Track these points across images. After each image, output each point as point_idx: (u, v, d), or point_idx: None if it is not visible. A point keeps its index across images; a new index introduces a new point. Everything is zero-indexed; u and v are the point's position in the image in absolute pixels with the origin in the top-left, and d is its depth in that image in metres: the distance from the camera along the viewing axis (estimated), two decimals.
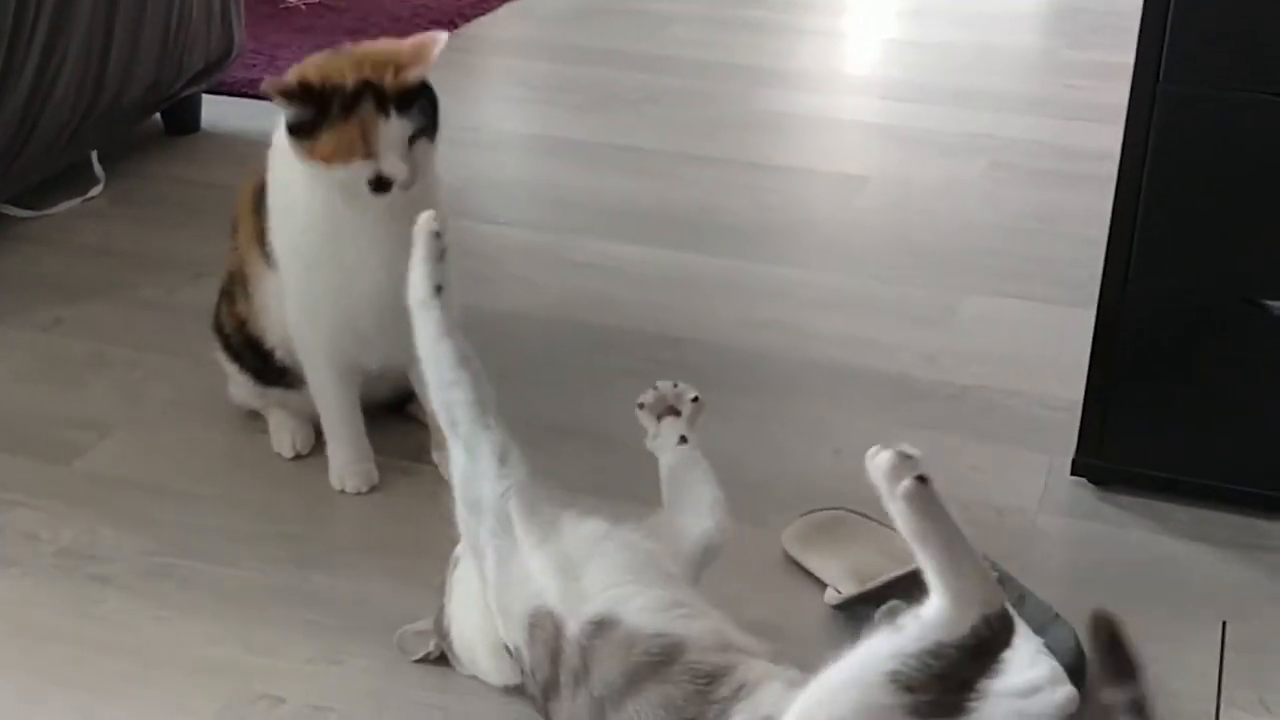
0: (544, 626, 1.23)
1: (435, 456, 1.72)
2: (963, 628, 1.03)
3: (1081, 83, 3.14)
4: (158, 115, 2.70)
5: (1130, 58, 1.53)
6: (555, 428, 1.83)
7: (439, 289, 1.35)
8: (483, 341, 2.02)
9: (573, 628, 1.22)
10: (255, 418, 1.82)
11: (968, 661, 1.03)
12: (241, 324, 1.75)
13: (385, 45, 1.55)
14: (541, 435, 1.81)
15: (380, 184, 1.52)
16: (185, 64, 2.59)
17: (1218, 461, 1.65)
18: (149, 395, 1.89)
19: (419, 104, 1.51)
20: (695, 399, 1.44)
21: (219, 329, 1.79)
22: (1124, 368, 1.65)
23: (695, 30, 3.52)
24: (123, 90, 2.43)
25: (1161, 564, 1.60)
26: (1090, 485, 1.71)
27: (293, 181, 1.57)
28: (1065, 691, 1.29)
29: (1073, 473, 1.71)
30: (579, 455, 1.77)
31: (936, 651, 1.03)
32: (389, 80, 1.50)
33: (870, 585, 1.45)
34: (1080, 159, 2.70)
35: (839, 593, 1.48)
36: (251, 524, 1.63)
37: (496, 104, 3.06)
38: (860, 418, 1.87)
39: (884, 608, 1.42)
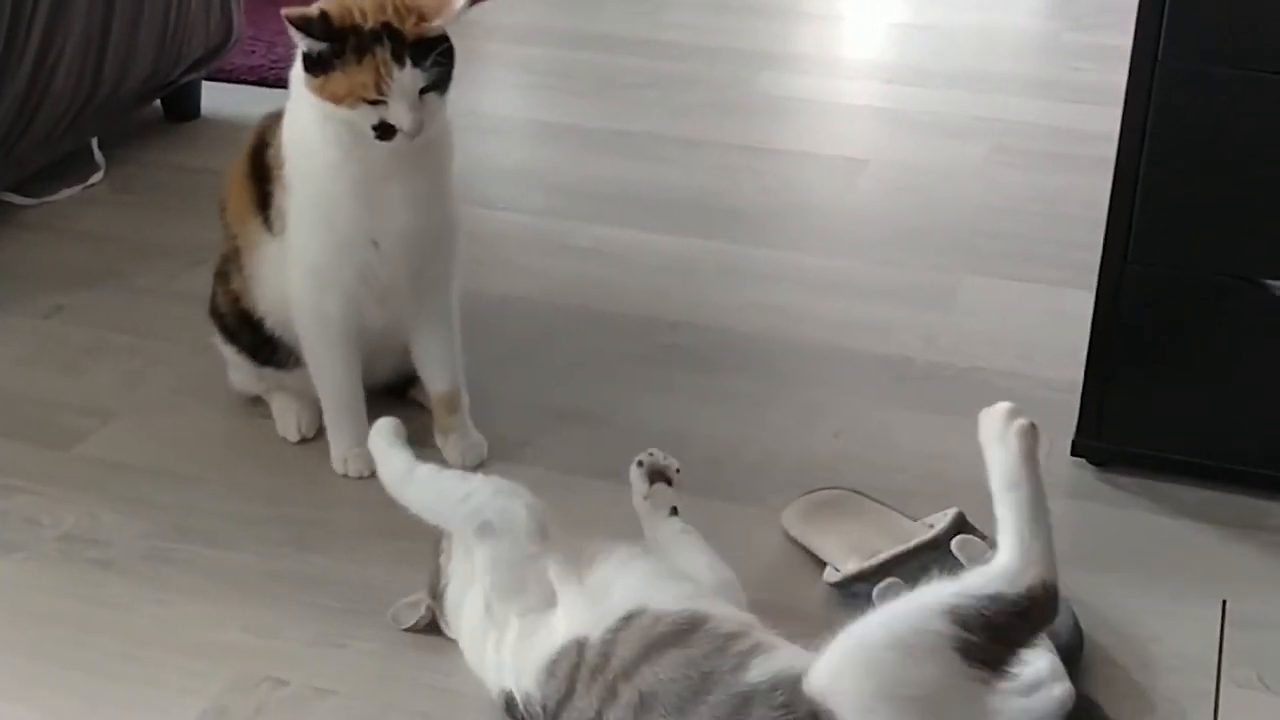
0: (566, 658, 1.23)
1: (438, 440, 1.73)
2: (1021, 584, 1.10)
3: (1085, 65, 3.14)
4: (157, 102, 2.70)
5: (1131, 42, 1.52)
6: (555, 411, 1.83)
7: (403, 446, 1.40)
8: (483, 326, 2.04)
9: (595, 635, 1.22)
10: (255, 403, 1.82)
11: (1016, 620, 1.10)
12: (235, 300, 1.75)
13: None
14: (542, 418, 1.82)
15: (385, 131, 1.51)
16: (184, 51, 2.59)
17: (1217, 441, 1.65)
18: (149, 381, 1.89)
19: (435, 56, 1.50)
20: (678, 470, 1.46)
21: (215, 312, 1.80)
22: (1123, 348, 1.65)
23: (694, 15, 3.52)
24: (122, 78, 2.43)
25: (1161, 543, 1.60)
26: (1090, 466, 1.71)
27: (310, 123, 1.55)
28: (1064, 688, 1.29)
29: (1072, 453, 1.71)
30: (578, 438, 1.77)
31: (994, 599, 1.10)
32: (409, 27, 1.48)
33: (869, 563, 1.46)
34: (1083, 141, 2.69)
35: (838, 571, 1.48)
36: (252, 508, 1.64)
37: (497, 89, 3.06)
38: (859, 400, 1.87)
39: (882, 585, 1.43)
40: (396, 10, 1.49)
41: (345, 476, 1.69)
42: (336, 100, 1.50)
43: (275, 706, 1.35)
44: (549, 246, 2.30)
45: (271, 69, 2.95)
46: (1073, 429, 1.71)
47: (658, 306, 2.10)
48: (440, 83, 1.52)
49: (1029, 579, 1.11)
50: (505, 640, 1.30)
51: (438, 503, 1.35)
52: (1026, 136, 2.75)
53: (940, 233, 2.35)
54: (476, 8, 3.51)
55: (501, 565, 1.31)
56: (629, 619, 1.22)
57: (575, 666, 1.22)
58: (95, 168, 2.49)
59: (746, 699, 1.12)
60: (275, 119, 1.66)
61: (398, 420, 1.43)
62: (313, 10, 1.50)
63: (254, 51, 3.03)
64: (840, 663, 1.11)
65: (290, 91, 1.60)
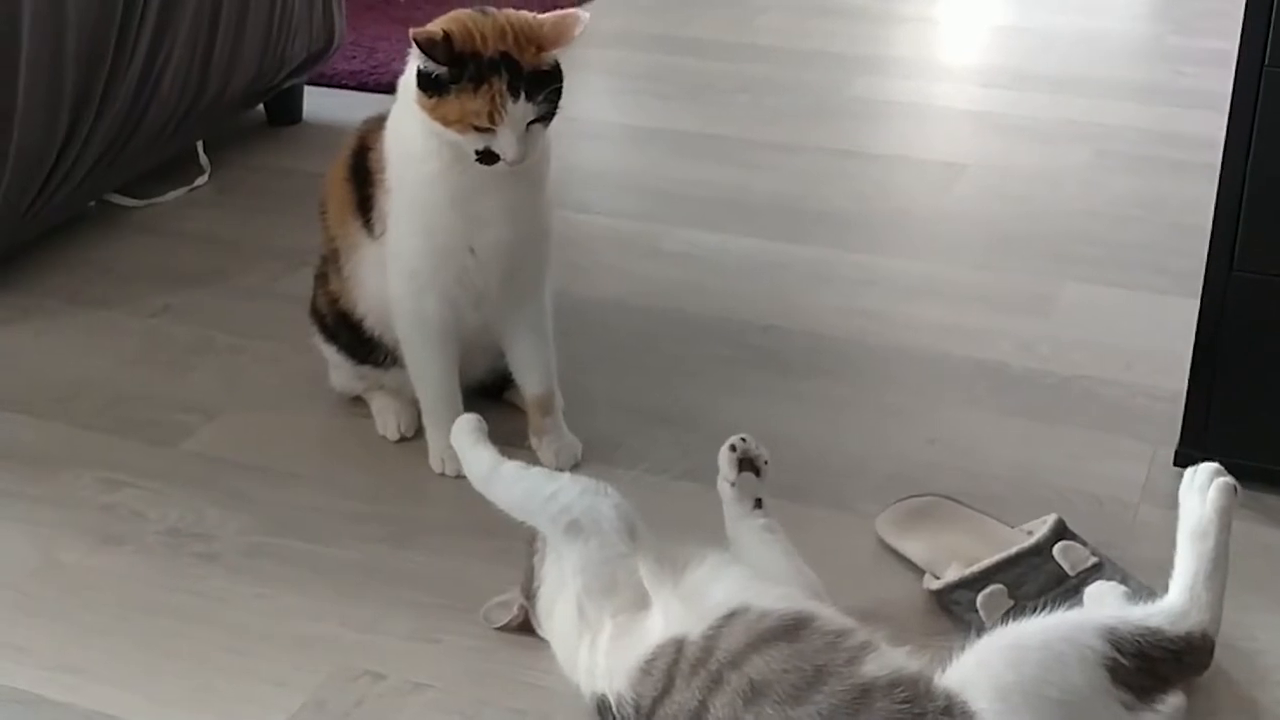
0: (663, 656, 1.23)
1: (533, 442, 1.74)
2: (1183, 627, 1.17)
3: (1188, 69, 3.08)
4: (261, 106, 2.75)
5: (1235, 45, 1.50)
6: (648, 413, 1.84)
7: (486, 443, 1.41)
8: (577, 328, 2.05)
9: (696, 633, 1.22)
10: (355, 403, 1.85)
11: (1170, 659, 1.16)
12: (334, 300, 1.77)
13: (528, 18, 1.53)
14: (634, 420, 1.83)
15: (488, 157, 1.52)
16: (287, 56, 2.63)
17: None
18: (252, 380, 1.92)
19: (548, 89, 1.51)
20: (766, 462, 1.45)
21: (315, 312, 1.83)
22: (1228, 356, 1.62)
23: (788, 19, 3.51)
24: (227, 82, 2.48)
25: (1266, 555, 1.57)
26: None
27: (414, 134, 1.56)
28: (1175, 701, 1.26)
29: (1176, 463, 1.68)
30: (671, 440, 1.77)
31: (1153, 632, 1.15)
32: (527, 58, 1.49)
33: (971, 570, 1.44)
34: (1186, 146, 2.65)
35: (938, 578, 1.47)
36: (351, 504, 1.66)
37: (590, 94, 3.07)
38: (955, 406, 1.86)
39: (985, 593, 1.42)
40: (516, 39, 1.50)
41: (443, 475, 1.71)
42: (446, 123, 1.51)
43: (373, 700, 1.37)
44: (642, 250, 2.31)
45: (372, 74, 3.00)
46: (1175, 439, 1.68)
47: (749, 310, 2.10)
48: (548, 116, 1.53)
49: (1191, 623, 1.18)
50: (599, 643, 1.30)
51: (525, 500, 1.35)
52: (1128, 142, 2.71)
53: (1040, 239, 2.32)
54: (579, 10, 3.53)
55: (592, 565, 1.31)
56: (732, 616, 1.22)
57: (674, 663, 1.22)
58: (200, 170, 2.55)
59: (865, 691, 1.13)
60: (377, 123, 1.68)
61: (479, 417, 1.43)
62: (437, 31, 1.49)
63: (355, 57, 3.08)
64: (986, 655, 1.13)
65: (397, 98, 1.62)
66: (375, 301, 1.72)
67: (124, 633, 1.46)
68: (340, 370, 1.83)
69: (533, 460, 1.70)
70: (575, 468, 1.71)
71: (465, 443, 1.42)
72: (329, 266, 1.78)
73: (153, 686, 1.39)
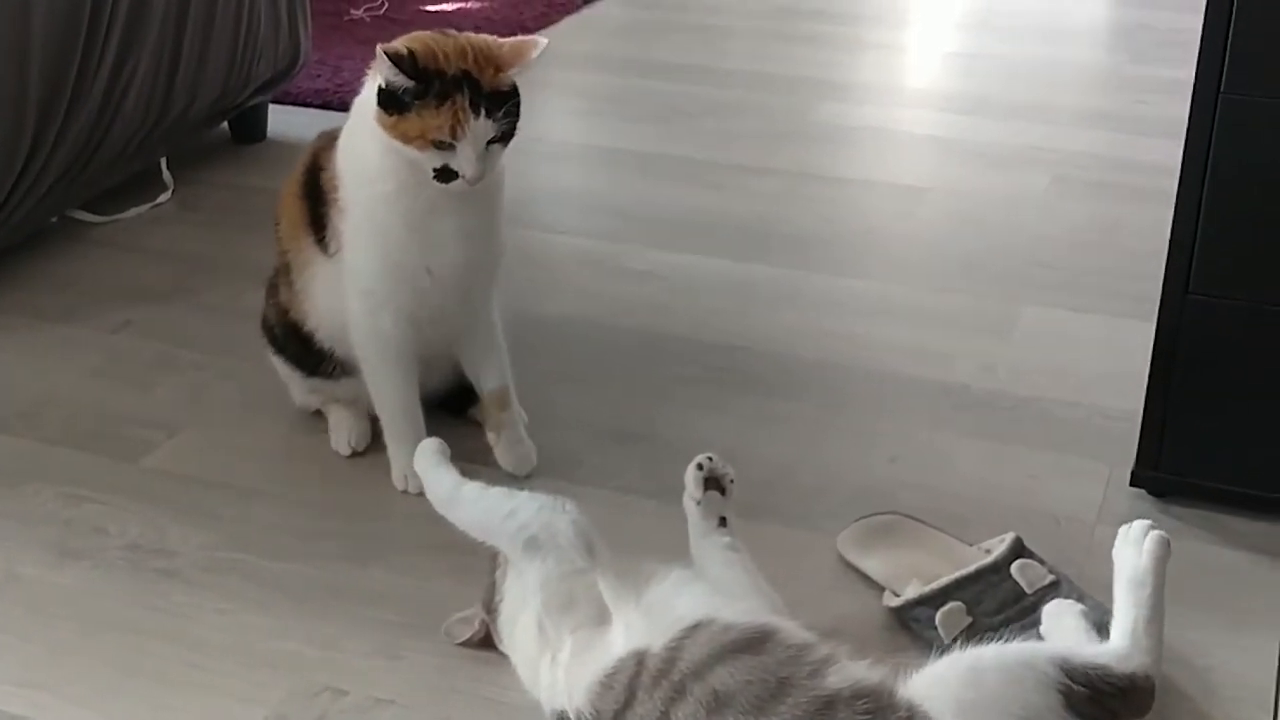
0: (624, 670, 1.24)
1: (490, 438, 1.76)
2: (1128, 667, 1.22)
3: (1146, 97, 3.13)
4: (225, 124, 2.75)
5: (1193, 72, 1.52)
6: (613, 431, 1.85)
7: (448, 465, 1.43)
8: (543, 347, 2.06)
9: (659, 645, 1.23)
10: (318, 419, 1.85)
11: (1116, 695, 1.20)
12: (284, 312, 1.78)
13: (487, 39, 1.56)
14: (600, 438, 1.83)
15: (446, 175, 1.54)
16: (252, 74, 2.64)
17: (1278, 473, 1.64)
18: (215, 396, 1.92)
19: (506, 108, 1.54)
20: (732, 481, 1.46)
21: (265, 324, 1.84)
22: (1184, 378, 1.64)
23: (754, 44, 3.54)
24: (192, 100, 2.48)
25: (1220, 575, 1.59)
26: (1149, 496, 1.71)
27: (369, 153, 1.58)
28: None
29: (1132, 484, 1.70)
30: (636, 459, 1.78)
31: (1102, 669, 1.20)
32: (487, 78, 1.52)
33: (931, 587, 1.46)
34: (1142, 173, 2.68)
35: (897, 595, 1.48)
36: (314, 521, 1.66)
37: (557, 116, 3.08)
38: (917, 427, 1.87)
39: (944, 610, 1.43)
40: (476, 59, 1.52)
41: (405, 493, 1.71)
42: (407, 140, 1.52)
43: (335, 716, 1.37)
44: (608, 269, 2.32)
45: (336, 93, 3.00)
46: (1131, 459, 1.70)
47: (715, 330, 2.11)
48: (506, 135, 1.55)
49: (1134, 665, 1.23)
50: (559, 659, 1.30)
51: (484, 519, 1.37)
52: (1086, 168, 2.75)
53: (999, 262, 2.35)
54: (541, 35, 3.54)
55: (550, 582, 1.32)
56: (696, 628, 1.23)
57: (635, 675, 1.22)
58: (164, 187, 2.54)
59: (829, 703, 1.14)
60: (329, 140, 1.69)
61: (441, 441, 1.46)
62: (402, 48, 1.51)
63: (319, 76, 3.08)
64: (943, 675, 1.16)
65: (350, 116, 1.63)
66: (326, 316, 1.73)
67: (85, 649, 1.45)
68: (294, 383, 1.84)
69: (498, 479, 1.71)
70: (530, 477, 1.73)
71: (427, 465, 1.44)
72: (280, 279, 1.79)
73: (113, 703, 1.38)
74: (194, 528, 1.64)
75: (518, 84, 1.56)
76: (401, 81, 1.50)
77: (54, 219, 2.36)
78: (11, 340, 2.06)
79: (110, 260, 2.31)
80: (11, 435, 1.83)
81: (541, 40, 1.56)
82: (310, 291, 1.73)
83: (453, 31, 1.56)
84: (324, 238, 1.68)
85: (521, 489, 1.40)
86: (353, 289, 1.66)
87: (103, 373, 1.99)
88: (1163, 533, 1.34)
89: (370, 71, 1.58)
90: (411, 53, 1.51)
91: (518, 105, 1.56)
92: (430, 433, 1.77)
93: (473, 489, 1.39)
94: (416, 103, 1.51)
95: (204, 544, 1.61)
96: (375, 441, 1.78)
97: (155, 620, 1.49)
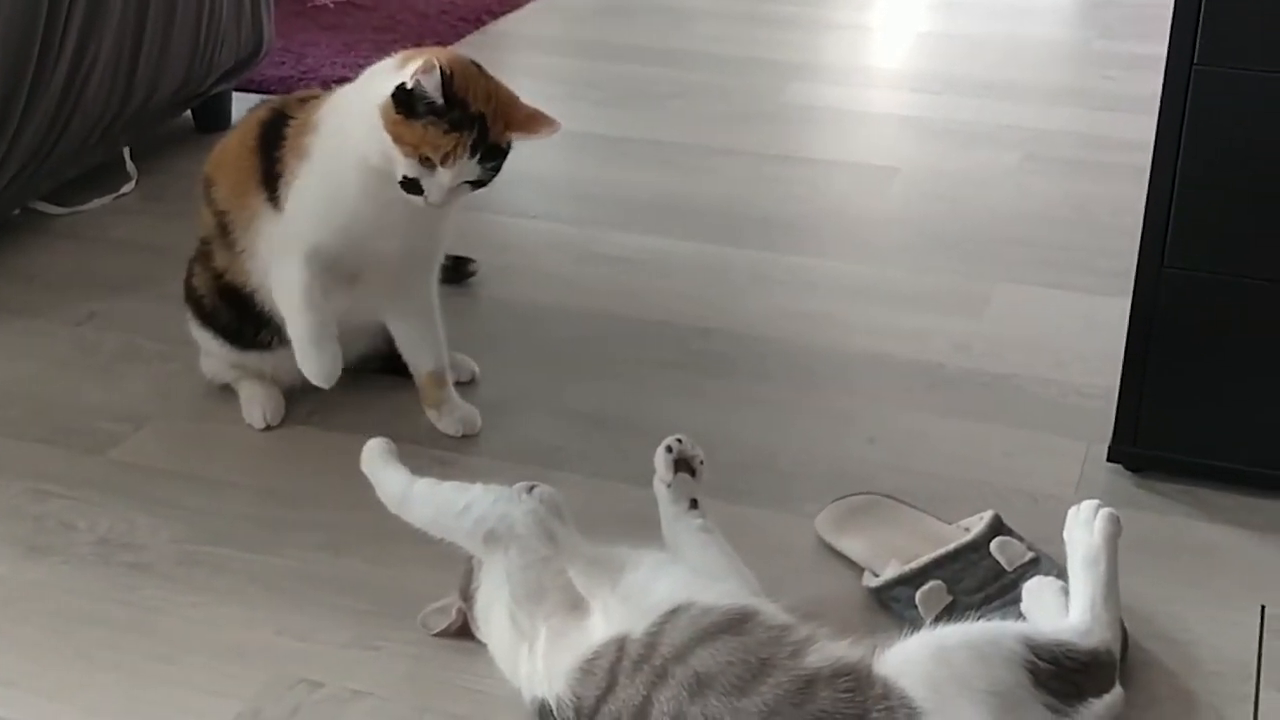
0: (605, 655, 1.23)
1: (431, 415, 1.79)
2: (1089, 643, 1.23)
3: (1114, 73, 3.13)
4: (188, 113, 2.71)
5: (1164, 48, 1.52)
6: (587, 417, 1.83)
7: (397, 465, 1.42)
8: (514, 333, 2.04)
9: (639, 630, 1.22)
10: (289, 409, 1.82)
11: (1079, 670, 1.20)
12: (219, 276, 1.78)
13: (512, 96, 1.62)
14: (573, 424, 1.82)
15: (412, 188, 1.58)
16: (215, 62, 2.60)
17: (1255, 446, 1.64)
18: (182, 387, 1.89)
19: (496, 162, 1.59)
20: (701, 462, 1.46)
21: (191, 296, 1.83)
22: (1159, 353, 1.64)
23: (721, 26, 3.52)
24: (154, 89, 2.44)
25: (1200, 549, 1.59)
26: (1127, 472, 1.70)
27: (365, 129, 1.58)
28: (1115, 693, 1.28)
29: (1109, 459, 1.70)
30: (611, 443, 1.77)
31: (1064, 645, 1.21)
32: (496, 129, 1.57)
33: (910, 566, 1.45)
34: (1114, 149, 2.68)
35: (876, 575, 1.47)
36: (285, 512, 1.64)
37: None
38: (893, 406, 1.86)
39: (923, 589, 1.43)
40: (495, 109, 1.58)
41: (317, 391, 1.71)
42: (400, 141, 1.55)
43: (310, 708, 1.35)
44: (579, 254, 2.30)
45: (300, 79, 2.97)
46: (1108, 435, 1.69)
47: (688, 313, 2.10)
48: (483, 183, 1.61)
49: (1095, 640, 1.23)
50: (536, 648, 1.29)
51: (439, 516, 1.35)
52: (1057, 144, 2.75)
53: (971, 240, 2.34)
54: (506, 19, 3.53)
55: (516, 573, 1.31)
56: (675, 612, 1.23)
57: (616, 661, 1.21)
58: (127, 177, 2.51)
59: (809, 682, 1.15)
60: (295, 100, 1.73)
61: (388, 440, 1.44)
62: (446, 67, 1.54)
63: (283, 63, 3.05)
64: (916, 652, 1.17)
65: (356, 85, 1.65)
66: (266, 271, 1.72)
67: (56, 644, 1.43)
68: (213, 357, 1.84)
69: (470, 470, 1.70)
70: (477, 435, 1.76)
71: (376, 465, 1.42)
72: (215, 244, 1.77)
73: (85, 698, 1.36)
74: (164, 520, 1.62)
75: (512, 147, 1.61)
76: (435, 95, 1.53)
77: (16, 211, 2.32)
78: None
79: (74, 252, 2.28)
80: None
81: (559, 124, 1.62)
82: (254, 249, 1.72)
83: (487, 71, 1.61)
84: (276, 193, 1.68)
85: (493, 481, 1.37)
86: (290, 230, 1.66)
87: (68, 365, 1.96)
88: (1112, 510, 1.34)
89: (397, 59, 1.61)
90: (451, 74, 1.54)
91: (504, 163, 1.61)
92: (403, 422, 1.76)
93: (425, 486, 1.38)
94: (430, 117, 1.54)
95: (174, 536, 1.59)
96: (341, 429, 1.76)
97: (127, 614, 1.47)
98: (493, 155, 1.58)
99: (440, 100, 1.53)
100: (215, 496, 1.67)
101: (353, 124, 1.61)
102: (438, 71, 1.52)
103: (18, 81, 2.12)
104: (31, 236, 2.31)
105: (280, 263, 1.68)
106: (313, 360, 1.66)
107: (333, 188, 1.64)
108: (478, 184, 1.60)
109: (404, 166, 1.56)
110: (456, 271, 2.12)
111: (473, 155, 1.56)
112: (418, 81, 1.53)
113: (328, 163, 1.64)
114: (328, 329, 1.66)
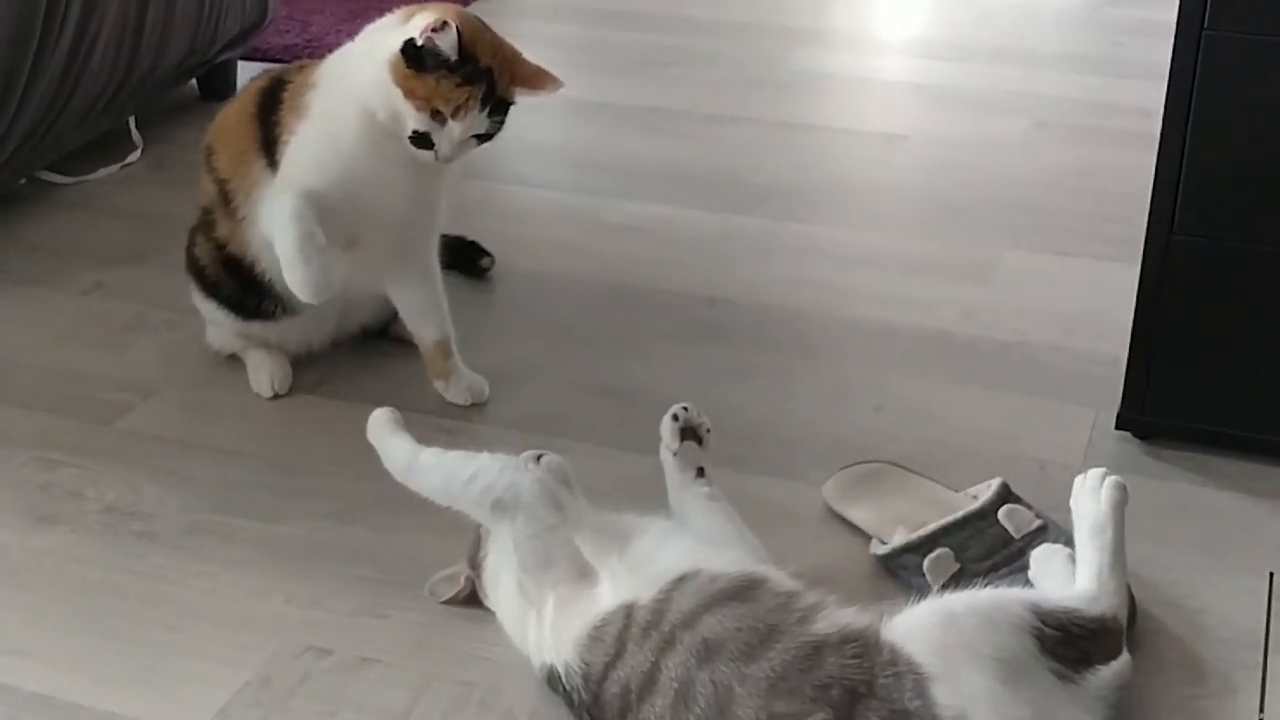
0: (613, 623, 1.23)
1: (438, 385, 1.78)
2: (1096, 609, 1.22)
3: (1126, 40, 3.11)
4: (194, 81, 2.70)
5: (1175, 14, 1.50)
6: (593, 386, 1.83)
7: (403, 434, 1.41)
8: (521, 302, 2.04)
9: (647, 597, 1.23)
10: (296, 378, 1.82)
11: (1087, 637, 1.20)
12: (221, 247, 1.77)
13: (516, 52, 1.64)
14: (580, 393, 1.82)
15: (422, 142, 1.59)
16: (220, 30, 2.59)
17: (1264, 413, 1.63)
18: (189, 356, 1.89)
19: (502, 116, 1.61)
20: (708, 430, 1.45)
21: (193, 267, 1.83)
22: (1168, 320, 1.63)
23: None
24: (159, 57, 2.43)
25: (1208, 516, 1.58)
26: (1135, 439, 1.70)
27: (368, 84, 1.59)
28: (1123, 660, 1.28)
29: (1117, 426, 1.69)
30: (617, 413, 1.77)
31: (1072, 612, 1.20)
32: (503, 83, 1.60)
33: (917, 534, 1.45)
34: (1124, 116, 2.67)
35: (884, 543, 1.47)
36: (292, 481, 1.64)
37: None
38: (900, 374, 1.86)
39: (931, 557, 1.42)
40: (502, 62, 1.60)
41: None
42: (412, 96, 1.56)
43: (319, 675, 1.35)
44: (583, 223, 2.30)
45: (306, 48, 2.96)
46: (1116, 402, 1.69)
47: (693, 282, 2.09)
48: (490, 136, 1.63)
49: (1102, 607, 1.23)
50: (544, 616, 1.29)
51: (446, 485, 1.35)
52: (1067, 111, 2.73)
53: (980, 208, 2.33)
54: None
55: (523, 542, 1.31)
56: (683, 579, 1.23)
57: (624, 628, 1.22)
58: (133, 146, 2.50)
59: (817, 648, 1.15)
60: (294, 69, 1.73)
61: (393, 410, 1.43)
62: (453, 24, 1.55)
63: (288, 31, 3.04)
64: (923, 619, 1.17)
65: (357, 42, 1.65)
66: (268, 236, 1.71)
67: (64, 614, 1.43)
68: (219, 327, 1.84)
69: (477, 438, 1.70)
70: (485, 404, 1.76)
71: (382, 434, 1.41)
72: (218, 212, 1.77)
73: (94, 667, 1.37)
74: (171, 490, 1.62)
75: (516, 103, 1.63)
76: (449, 53, 1.55)
77: (21, 181, 2.32)
78: None
79: (80, 221, 2.28)
80: None
81: (562, 82, 1.64)
82: (256, 217, 1.71)
83: (490, 27, 1.63)
84: (275, 158, 1.67)
85: (500, 451, 1.37)
86: (286, 174, 1.65)
87: (75, 335, 1.95)
88: (1119, 478, 1.34)
89: (400, 15, 1.61)
90: (460, 30, 1.56)
91: (507, 119, 1.63)
92: (408, 391, 1.76)
93: (431, 455, 1.37)
94: (441, 71, 1.55)
95: (182, 505, 1.59)
96: (349, 398, 1.76)
97: (134, 583, 1.47)
98: (499, 109, 1.61)
99: (455, 56, 1.55)
100: (223, 465, 1.67)
101: (356, 79, 1.62)
102: (454, 29, 1.54)
103: (22, 51, 2.11)
104: (37, 206, 2.31)
105: (272, 200, 1.66)
106: (299, 270, 1.60)
107: (332, 139, 1.64)
108: (484, 138, 1.62)
109: (414, 120, 1.57)
110: (470, 265, 2.09)
111: (483, 108, 1.58)
112: (429, 38, 1.54)
113: (328, 116, 1.64)
114: (316, 240, 1.61)
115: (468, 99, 1.57)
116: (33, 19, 2.12)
